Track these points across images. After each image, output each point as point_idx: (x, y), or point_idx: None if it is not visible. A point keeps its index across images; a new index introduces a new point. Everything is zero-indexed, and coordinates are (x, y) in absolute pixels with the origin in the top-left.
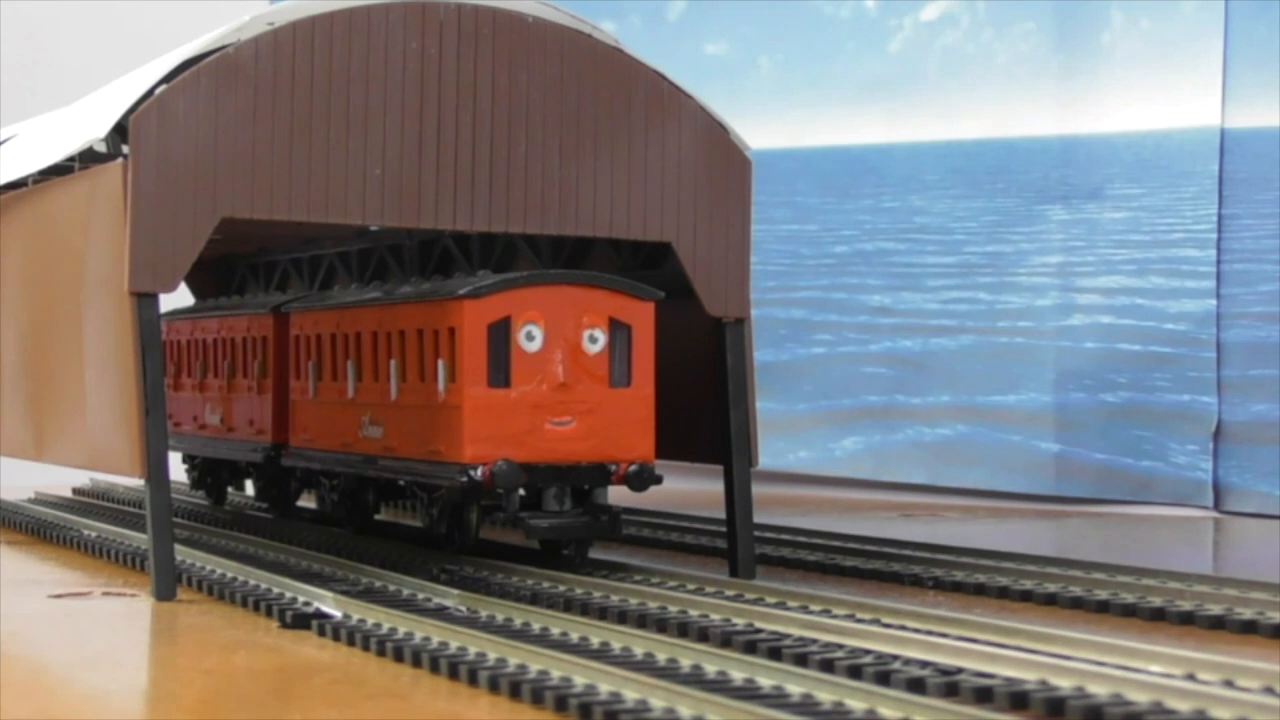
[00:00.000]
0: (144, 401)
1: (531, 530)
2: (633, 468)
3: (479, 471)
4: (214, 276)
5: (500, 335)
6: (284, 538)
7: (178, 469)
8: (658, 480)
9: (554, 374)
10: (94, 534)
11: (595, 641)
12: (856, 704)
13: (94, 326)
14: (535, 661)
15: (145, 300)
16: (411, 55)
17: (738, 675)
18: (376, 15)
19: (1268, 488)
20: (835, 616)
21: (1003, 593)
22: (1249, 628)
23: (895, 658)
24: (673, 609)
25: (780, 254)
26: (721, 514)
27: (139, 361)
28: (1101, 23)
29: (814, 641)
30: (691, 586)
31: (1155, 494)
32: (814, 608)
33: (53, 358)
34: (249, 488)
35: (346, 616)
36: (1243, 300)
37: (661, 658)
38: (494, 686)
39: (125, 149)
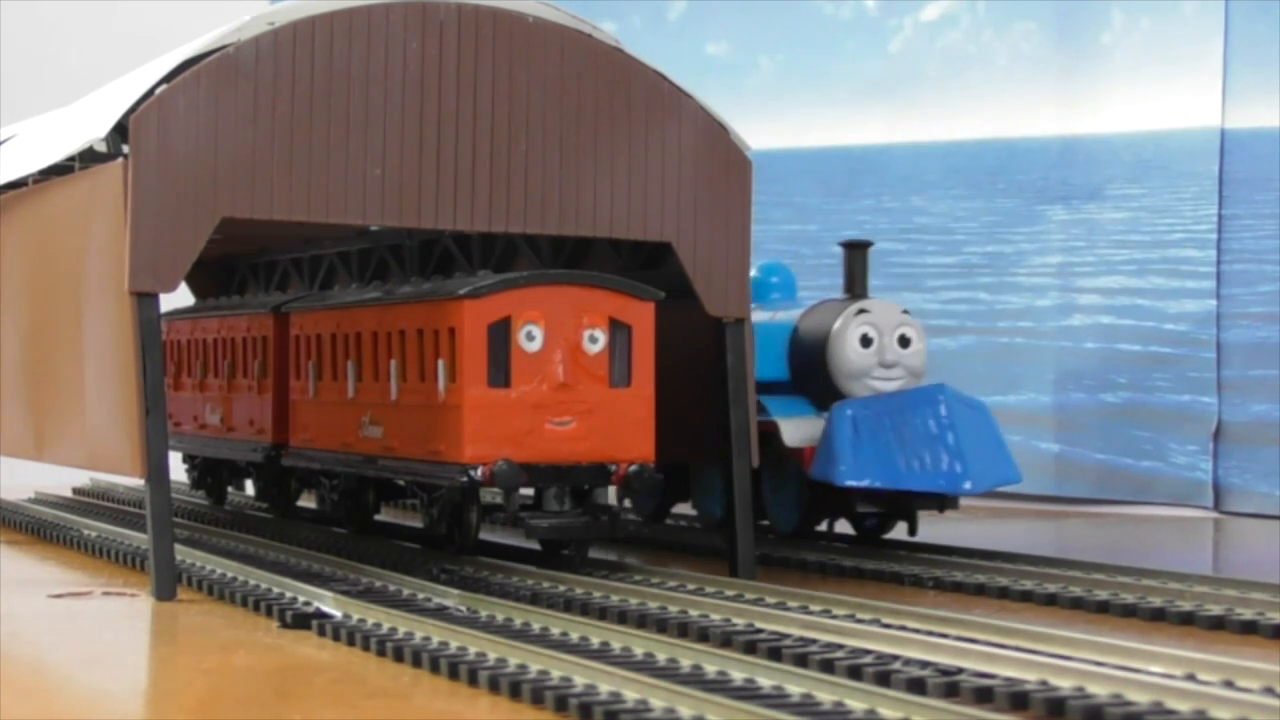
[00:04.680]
0: (144, 401)
1: (531, 530)
2: (633, 468)
3: (479, 471)
4: (214, 276)
5: (500, 335)
6: (284, 538)
7: (178, 469)
8: (658, 480)
9: (554, 374)
10: (94, 534)
11: (595, 641)
12: (856, 704)
13: (94, 326)
14: (535, 661)
15: (145, 300)
16: (412, 55)
17: (738, 675)
18: (376, 15)
19: (1268, 488)
20: (835, 616)
21: (1003, 593)
22: (1249, 628)
23: (895, 658)
24: (673, 609)
25: (780, 254)
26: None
27: (139, 361)
28: (1102, 23)
29: (814, 641)
30: (691, 586)
31: (1155, 494)
32: (814, 608)
33: (53, 358)
34: (249, 488)
35: (346, 616)
36: (1243, 300)
37: (661, 658)
38: (494, 686)
39: (125, 149)
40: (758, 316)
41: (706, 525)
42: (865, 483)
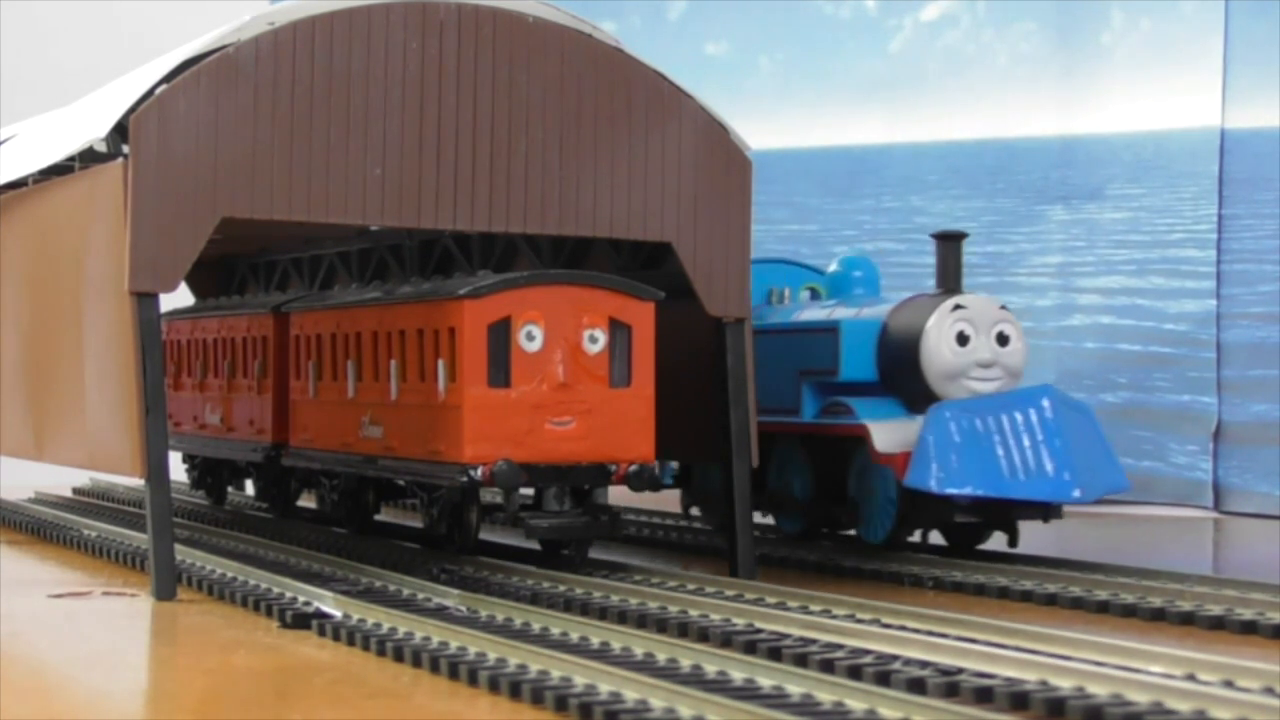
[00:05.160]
0: (144, 401)
1: (531, 530)
2: (633, 468)
3: (479, 471)
4: (214, 276)
5: (500, 335)
6: (284, 538)
7: (178, 469)
8: (658, 480)
9: (554, 374)
10: (94, 534)
11: (595, 641)
12: (856, 704)
13: (94, 326)
14: (535, 661)
15: (145, 300)
16: (411, 55)
17: (738, 675)
18: (376, 15)
19: (1268, 488)
20: (835, 616)
21: (1003, 593)
22: (1249, 628)
23: (895, 658)
24: (673, 609)
25: (780, 254)
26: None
27: (139, 361)
28: (1102, 23)
29: (814, 641)
30: (691, 586)
31: (1155, 494)
32: (814, 608)
33: (53, 358)
34: (249, 488)
35: (346, 616)
36: (1243, 300)
37: (661, 658)
38: (494, 686)
39: (125, 149)
40: (842, 313)
41: (784, 535)
42: (966, 491)
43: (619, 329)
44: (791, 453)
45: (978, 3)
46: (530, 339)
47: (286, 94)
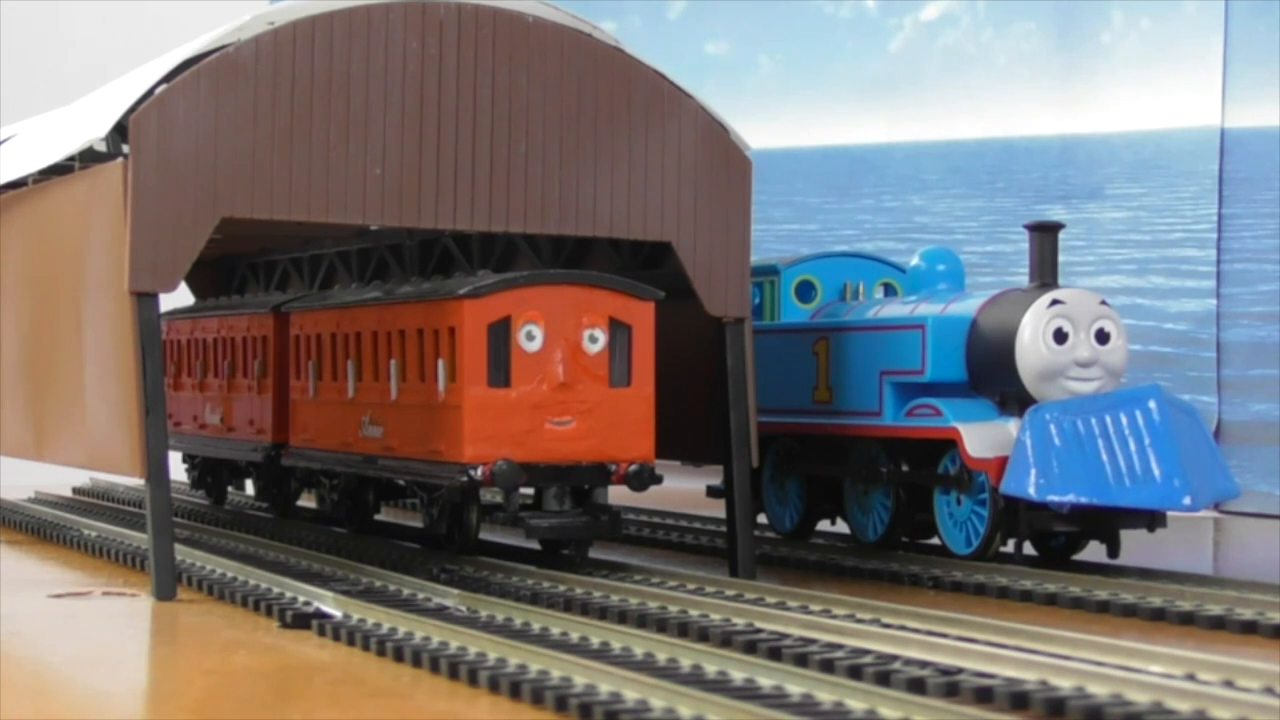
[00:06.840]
0: (144, 401)
1: (531, 530)
2: (633, 468)
3: (479, 471)
4: (214, 276)
5: (500, 335)
6: (284, 538)
7: (178, 469)
8: (658, 480)
9: (554, 374)
10: (94, 534)
11: (595, 641)
12: (856, 704)
13: (94, 326)
14: (535, 661)
15: (145, 300)
16: (411, 55)
17: (738, 675)
18: (376, 15)
19: (1268, 488)
20: (835, 616)
21: (1003, 593)
22: (1249, 628)
23: (895, 658)
24: (673, 609)
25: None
26: (721, 514)
27: (139, 361)
28: (1102, 23)
29: (814, 641)
30: (691, 586)
31: None
32: (814, 608)
33: (53, 358)
34: (249, 488)
35: (346, 616)
36: (1243, 300)
37: (661, 658)
38: (494, 686)
39: (125, 149)
40: (926, 309)
41: (861, 543)
42: (1068, 498)
43: (619, 329)
44: (871, 457)
45: (978, 2)
46: (530, 339)
47: (286, 94)
